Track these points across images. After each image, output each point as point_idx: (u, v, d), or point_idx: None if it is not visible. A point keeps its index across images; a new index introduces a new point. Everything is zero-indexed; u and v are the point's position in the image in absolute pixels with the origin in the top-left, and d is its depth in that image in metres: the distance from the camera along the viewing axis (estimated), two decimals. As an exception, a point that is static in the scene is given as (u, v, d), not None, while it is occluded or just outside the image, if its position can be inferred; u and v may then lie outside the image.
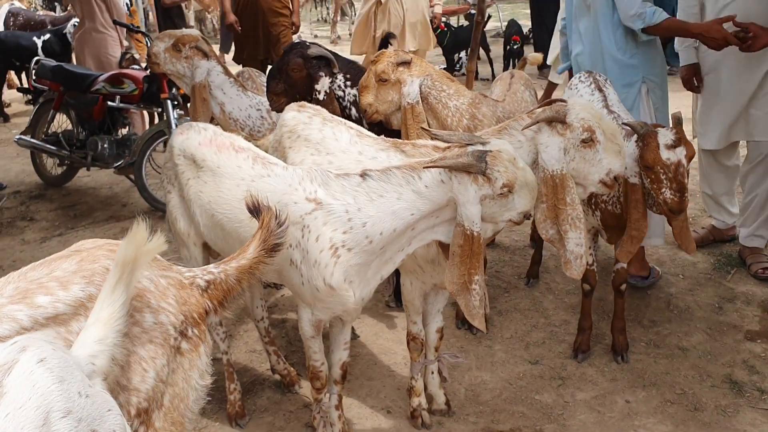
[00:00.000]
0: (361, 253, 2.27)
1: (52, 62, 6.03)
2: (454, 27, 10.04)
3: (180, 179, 2.75)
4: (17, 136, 6.07)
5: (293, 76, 3.43)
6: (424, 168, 2.23)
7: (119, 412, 1.29)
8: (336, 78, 3.48)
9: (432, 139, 2.46)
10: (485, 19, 5.09)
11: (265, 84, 3.57)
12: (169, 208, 2.88)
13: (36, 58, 6.31)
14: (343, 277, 2.29)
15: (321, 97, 3.42)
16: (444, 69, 9.33)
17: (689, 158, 2.60)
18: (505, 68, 9.33)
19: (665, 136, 2.58)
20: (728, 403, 2.98)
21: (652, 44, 3.54)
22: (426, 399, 2.97)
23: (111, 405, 1.28)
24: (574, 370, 3.26)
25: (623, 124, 2.84)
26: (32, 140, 5.97)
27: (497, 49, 10.92)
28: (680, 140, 2.57)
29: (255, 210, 2.01)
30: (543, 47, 9.45)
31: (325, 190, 2.31)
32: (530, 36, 9.74)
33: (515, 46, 8.84)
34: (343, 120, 2.90)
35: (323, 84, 3.42)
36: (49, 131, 6.09)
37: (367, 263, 2.31)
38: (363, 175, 2.29)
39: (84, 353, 1.37)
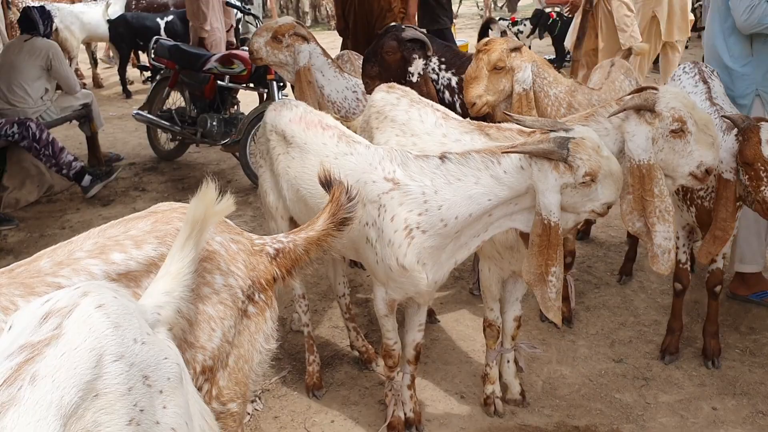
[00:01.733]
0: (435, 235, 2.27)
1: (170, 42, 6.34)
2: (566, 16, 9.76)
3: (271, 154, 2.83)
4: (135, 111, 6.44)
5: (387, 59, 3.44)
6: (503, 153, 2.20)
7: (177, 361, 1.35)
8: (430, 61, 3.47)
9: (516, 122, 2.41)
10: (593, 6, 4.92)
11: (362, 65, 3.60)
12: (260, 182, 2.98)
13: (155, 37, 6.62)
14: (416, 258, 2.30)
15: (414, 79, 3.42)
16: (553, 59, 9.13)
17: (792, 155, 2.44)
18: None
19: (768, 132, 2.43)
20: (827, 420, 2.79)
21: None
22: (501, 388, 2.95)
23: (168, 354, 1.33)
24: (660, 371, 3.13)
25: (722, 117, 2.69)
26: (148, 115, 6.30)
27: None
28: (784, 136, 2.41)
29: (327, 184, 2.05)
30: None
31: (404, 171, 2.32)
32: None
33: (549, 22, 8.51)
34: (430, 102, 2.90)
35: (417, 66, 3.42)
36: (164, 108, 6.41)
37: (441, 246, 2.30)
38: (442, 157, 2.28)
39: (150, 303, 1.44)
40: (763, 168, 2.44)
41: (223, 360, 1.75)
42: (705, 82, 3.10)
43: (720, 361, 3.13)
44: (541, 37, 10.37)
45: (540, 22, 9.79)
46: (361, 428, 2.86)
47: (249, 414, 3.00)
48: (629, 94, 2.51)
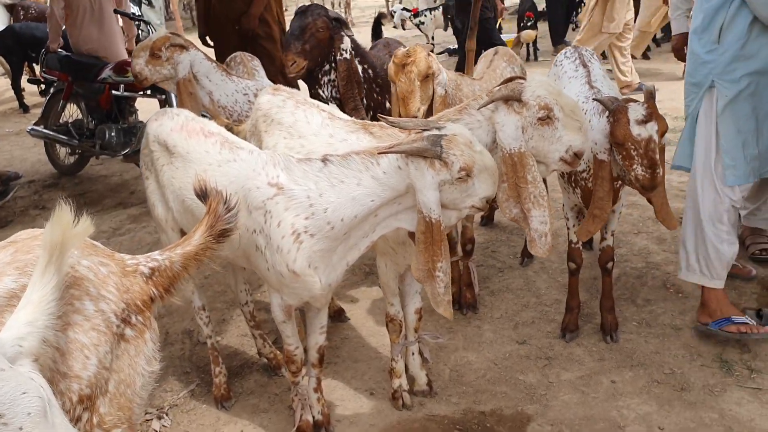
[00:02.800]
0: (323, 238, 2.26)
1: (61, 52, 6.11)
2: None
3: (155, 165, 2.77)
4: (30, 127, 6.20)
5: (318, 37, 3.38)
6: (379, 153, 2.21)
7: (38, 395, 1.28)
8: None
9: (391, 125, 2.43)
10: (483, -4, 5.02)
11: (287, 44, 3.49)
12: (148, 195, 2.92)
13: (44, 49, 6.37)
14: (307, 262, 2.29)
15: (347, 56, 3.37)
16: (454, 50, 9.24)
17: (661, 133, 2.54)
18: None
19: (636, 111, 2.52)
20: (716, 383, 2.92)
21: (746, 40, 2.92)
22: (408, 380, 2.98)
23: (28, 387, 1.27)
24: (562, 350, 3.23)
25: (594, 99, 2.78)
26: (44, 130, 6.08)
27: (513, 26, 10.75)
28: (651, 115, 2.51)
29: (203, 194, 2.01)
30: (556, 24, 9.37)
31: (288, 175, 2.30)
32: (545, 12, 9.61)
33: (528, 23, 8.71)
34: (316, 102, 2.89)
35: (346, 43, 3.37)
36: (61, 121, 6.19)
37: (331, 249, 2.30)
38: (324, 160, 2.28)
39: (10, 336, 1.38)
40: (633, 147, 2.53)
41: (102, 387, 1.70)
42: (585, 66, 3.20)
43: (618, 335, 3.25)
44: (446, 29, 10.50)
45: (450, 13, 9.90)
46: (270, 435, 2.85)
47: (156, 431, 2.94)
48: (497, 86, 2.56)
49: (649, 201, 2.76)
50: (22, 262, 1.62)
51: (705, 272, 3.14)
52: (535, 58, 9.46)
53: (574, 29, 11.02)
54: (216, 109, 3.59)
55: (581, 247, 3.23)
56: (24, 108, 8.92)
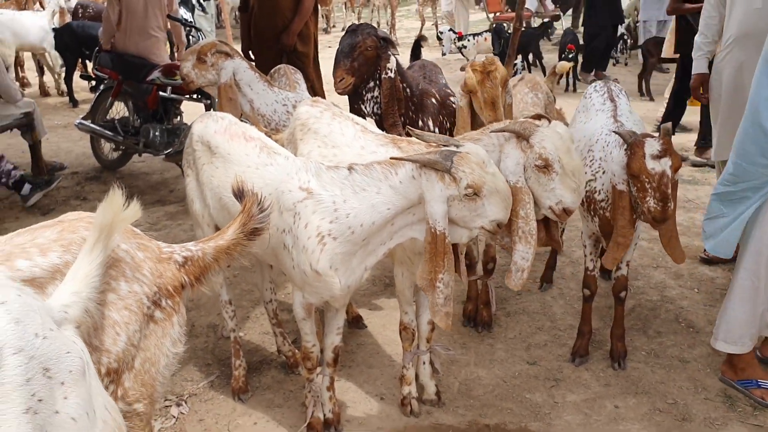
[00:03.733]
0: (344, 242, 2.40)
1: (113, 52, 6.37)
2: (507, 34, 10.08)
3: (197, 164, 2.95)
4: (77, 121, 6.45)
5: (366, 55, 3.49)
6: (392, 160, 2.35)
7: (80, 356, 1.44)
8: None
9: (419, 139, 2.56)
10: (521, 26, 5.15)
11: (336, 61, 3.57)
12: (187, 191, 3.09)
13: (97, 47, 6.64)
14: (329, 264, 2.43)
15: (392, 75, 3.48)
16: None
17: (675, 169, 2.64)
18: (560, 77, 9.30)
19: (652, 146, 2.63)
20: (718, 416, 2.99)
21: None
22: (417, 389, 3.09)
23: (72, 348, 1.42)
24: (570, 373, 3.32)
25: (613, 131, 2.89)
26: (91, 125, 6.32)
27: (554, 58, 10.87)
28: (666, 151, 2.61)
29: (239, 194, 2.17)
30: (591, 54, 9.48)
31: (318, 181, 2.46)
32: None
33: (569, 55, 8.82)
34: (351, 116, 3.04)
35: (392, 63, 3.48)
36: (108, 117, 6.44)
37: (351, 253, 2.44)
38: (350, 168, 2.43)
39: (58, 302, 1.54)
40: (647, 180, 2.63)
41: (128, 362, 1.85)
42: (612, 100, 3.32)
43: (626, 363, 3.33)
44: (496, 52, 10.62)
45: (500, 36, 10.06)
46: (284, 429, 2.97)
47: (174, 417, 3.09)
48: (518, 120, 2.66)
49: (659, 234, 2.85)
50: (67, 241, 1.78)
51: (746, 341, 3.06)
52: (574, 89, 9.55)
53: (614, 64, 11.10)
54: (255, 117, 3.76)
55: (597, 275, 3.33)
56: (74, 102, 9.26)
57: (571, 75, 9.31)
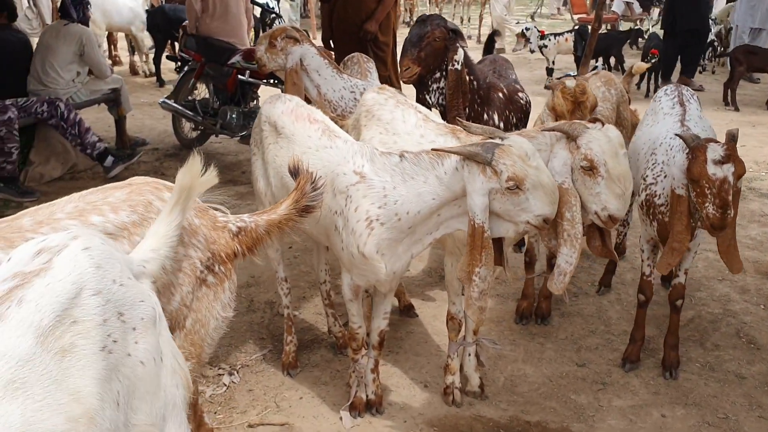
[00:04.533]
0: (391, 228, 2.45)
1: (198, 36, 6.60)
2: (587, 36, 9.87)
3: (263, 143, 3.05)
4: (161, 100, 6.72)
5: (434, 46, 3.51)
6: (433, 150, 2.38)
7: (153, 306, 1.55)
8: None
9: (465, 130, 2.58)
10: (600, 27, 5.07)
11: (404, 50, 3.63)
12: (252, 169, 3.20)
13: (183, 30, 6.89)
14: (376, 248, 2.48)
15: (459, 67, 3.46)
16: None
17: (738, 176, 2.57)
18: (641, 82, 9.08)
19: (714, 151, 2.56)
20: (770, 435, 2.90)
21: None
22: (462, 380, 3.11)
23: (145, 298, 1.53)
24: (619, 378, 3.27)
25: (676, 134, 2.83)
26: (173, 104, 6.57)
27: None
28: (729, 157, 2.54)
29: (295, 173, 2.24)
30: (669, 60, 9.18)
31: (371, 166, 2.51)
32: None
33: (652, 60, 8.58)
34: (415, 104, 3.08)
35: (460, 55, 3.47)
36: (189, 98, 6.68)
37: (397, 239, 2.48)
38: (401, 155, 2.47)
39: (138, 256, 1.66)
40: (707, 185, 2.57)
41: (180, 322, 1.96)
42: (682, 104, 3.25)
43: (678, 373, 3.26)
44: (578, 54, 10.41)
45: (583, 38, 9.88)
46: (327, 406, 3.05)
47: (225, 385, 3.21)
48: (570, 122, 2.62)
49: (717, 241, 2.78)
50: (135, 202, 1.90)
51: None
52: (653, 93, 9.30)
53: (701, 72, 10.72)
54: (322, 102, 3.84)
55: (653, 281, 3.27)
56: (160, 82, 9.62)
57: (652, 80, 9.04)
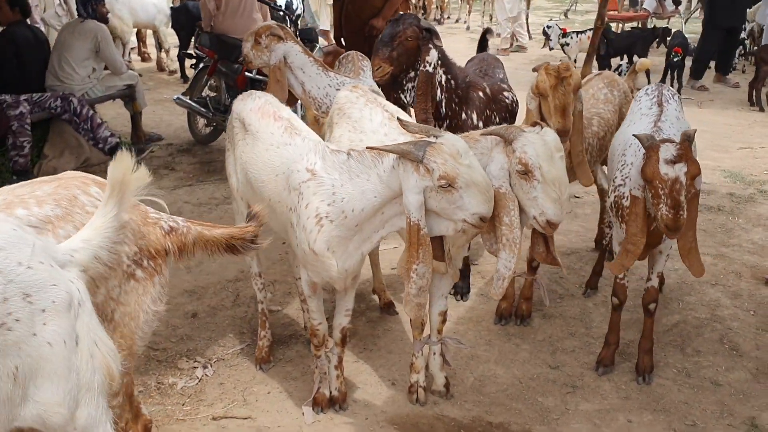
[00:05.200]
0: (340, 226, 2.47)
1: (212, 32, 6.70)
2: (611, 34, 9.70)
3: (234, 139, 3.09)
4: (176, 96, 6.83)
5: (407, 45, 3.48)
6: (367, 148, 2.39)
7: (69, 291, 1.61)
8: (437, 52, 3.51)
9: (404, 128, 2.59)
10: (602, 25, 4.99)
11: (375, 49, 3.56)
12: (226, 165, 3.25)
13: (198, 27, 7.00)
14: (326, 245, 2.50)
15: (430, 69, 3.44)
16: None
17: (692, 177, 2.51)
18: (664, 79, 8.89)
19: (667, 151, 2.51)
20: (737, 444, 2.84)
21: None
22: (428, 379, 3.12)
23: (60, 283, 1.59)
24: (591, 381, 3.23)
25: (634, 134, 2.78)
26: (187, 100, 6.68)
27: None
28: (682, 156, 2.49)
29: (251, 217, 2.25)
30: (706, 57, 8.97)
31: (323, 163, 2.53)
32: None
33: (675, 59, 8.41)
34: (384, 103, 3.09)
35: (433, 56, 3.44)
36: (202, 94, 6.79)
37: (347, 237, 2.50)
38: (348, 153, 2.49)
39: (66, 246, 1.72)
40: (660, 186, 2.52)
41: (107, 314, 2.00)
42: (660, 105, 3.19)
43: (651, 378, 3.21)
44: (601, 53, 10.25)
45: (606, 36, 9.72)
46: (292, 401, 3.08)
47: (198, 378, 3.27)
48: (507, 126, 2.59)
49: (678, 244, 2.74)
50: (60, 196, 1.95)
51: None
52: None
53: (733, 69, 10.46)
54: (307, 99, 3.87)
55: (626, 284, 3.22)
56: (185, 78, 9.77)
57: (675, 80, 8.85)
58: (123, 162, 1.81)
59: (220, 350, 3.50)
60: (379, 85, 3.67)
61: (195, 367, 3.35)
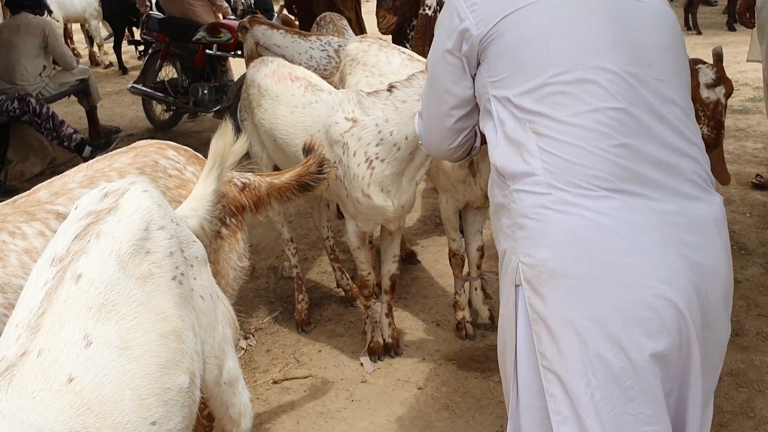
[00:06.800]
0: (392, 161, 2.50)
1: (160, 15, 6.53)
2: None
3: (252, 107, 3.07)
4: (130, 85, 6.66)
5: None
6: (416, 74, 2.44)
7: (203, 248, 1.63)
8: None
9: None
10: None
11: (378, 1, 3.68)
12: (244, 134, 3.22)
13: (146, 12, 6.81)
14: (379, 187, 2.54)
15: (430, 13, 3.46)
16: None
17: (728, 95, 2.63)
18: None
19: (706, 75, 2.60)
20: (771, 329, 3.04)
21: None
22: (471, 314, 3.20)
23: (196, 239, 1.62)
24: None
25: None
26: (143, 88, 6.52)
27: None
28: (720, 79, 2.59)
29: (307, 151, 2.26)
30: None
31: (360, 109, 2.55)
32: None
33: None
34: (398, 47, 3.12)
35: (432, 0, 3.47)
36: (157, 80, 6.63)
37: (399, 172, 2.54)
38: (390, 88, 2.51)
39: (180, 213, 1.72)
40: (701, 108, 2.61)
41: None
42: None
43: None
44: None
45: None
46: (346, 356, 3.13)
47: (243, 349, 3.27)
48: None
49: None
50: (141, 164, 1.94)
51: None
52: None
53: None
54: (294, 68, 3.88)
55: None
56: (123, 69, 9.49)
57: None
58: (225, 135, 1.83)
59: (255, 321, 3.50)
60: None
61: (236, 340, 3.34)
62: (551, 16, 1.42)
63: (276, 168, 3.15)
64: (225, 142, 1.81)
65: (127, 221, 1.40)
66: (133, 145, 2.08)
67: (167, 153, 2.02)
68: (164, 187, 1.93)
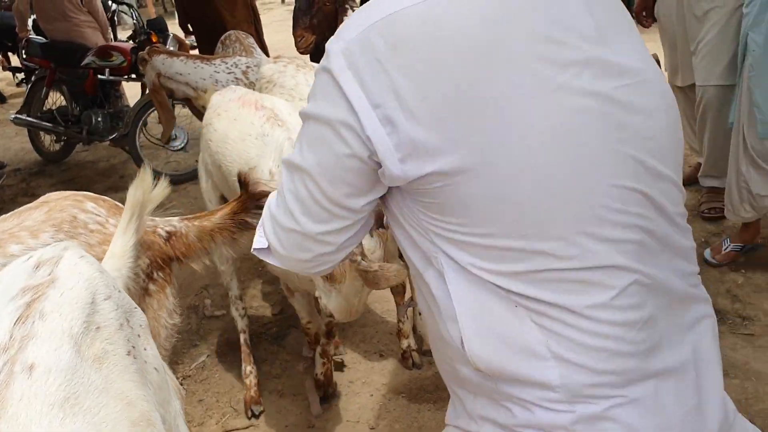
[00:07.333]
0: None
1: (41, 39, 6.07)
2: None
3: (208, 133, 2.80)
4: (13, 115, 6.13)
5: (325, 10, 3.38)
6: None
7: (143, 313, 1.41)
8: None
9: None
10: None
11: (295, 20, 3.48)
12: (198, 167, 2.98)
13: (25, 36, 6.32)
14: None
15: None
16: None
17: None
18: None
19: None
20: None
21: None
22: (417, 340, 3.07)
23: (136, 306, 1.40)
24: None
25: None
26: (28, 118, 6.03)
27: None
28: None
29: (242, 182, 2.05)
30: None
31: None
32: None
33: None
34: (316, 66, 2.95)
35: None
36: (44, 108, 6.15)
37: None
38: None
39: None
40: None
41: None
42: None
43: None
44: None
45: None
46: (287, 400, 2.92)
47: (172, 401, 3.00)
48: None
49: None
50: (58, 220, 1.69)
51: None
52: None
53: None
54: (200, 95, 3.64)
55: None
56: (1, 98, 8.84)
57: None
58: (143, 182, 1.62)
59: (182, 368, 3.23)
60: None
61: (163, 392, 3.07)
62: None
63: (223, 199, 2.90)
64: (143, 189, 1.61)
65: (70, 294, 1.18)
66: (43, 198, 1.83)
67: (85, 205, 1.78)
68: (86, 245, 1.70)
